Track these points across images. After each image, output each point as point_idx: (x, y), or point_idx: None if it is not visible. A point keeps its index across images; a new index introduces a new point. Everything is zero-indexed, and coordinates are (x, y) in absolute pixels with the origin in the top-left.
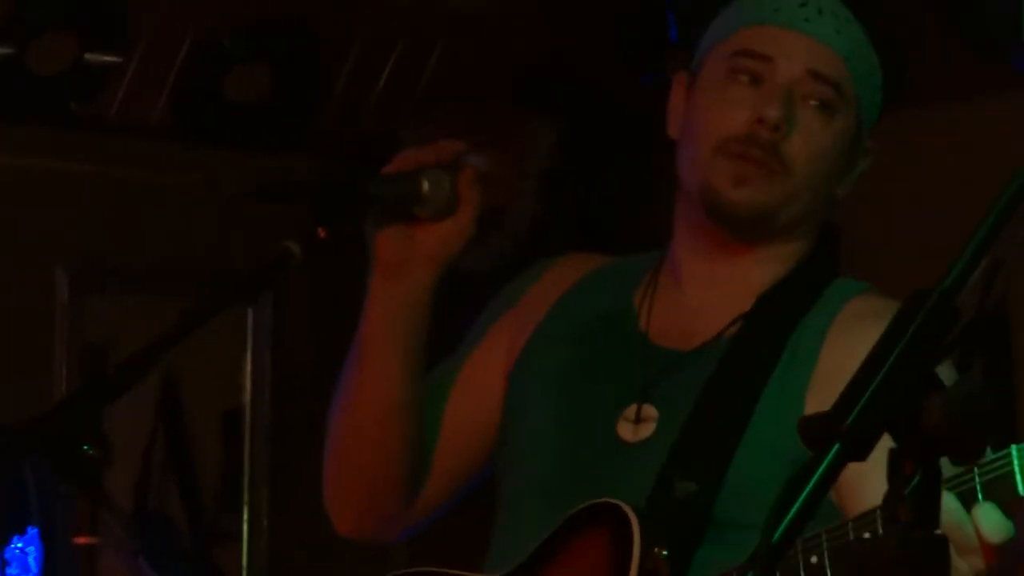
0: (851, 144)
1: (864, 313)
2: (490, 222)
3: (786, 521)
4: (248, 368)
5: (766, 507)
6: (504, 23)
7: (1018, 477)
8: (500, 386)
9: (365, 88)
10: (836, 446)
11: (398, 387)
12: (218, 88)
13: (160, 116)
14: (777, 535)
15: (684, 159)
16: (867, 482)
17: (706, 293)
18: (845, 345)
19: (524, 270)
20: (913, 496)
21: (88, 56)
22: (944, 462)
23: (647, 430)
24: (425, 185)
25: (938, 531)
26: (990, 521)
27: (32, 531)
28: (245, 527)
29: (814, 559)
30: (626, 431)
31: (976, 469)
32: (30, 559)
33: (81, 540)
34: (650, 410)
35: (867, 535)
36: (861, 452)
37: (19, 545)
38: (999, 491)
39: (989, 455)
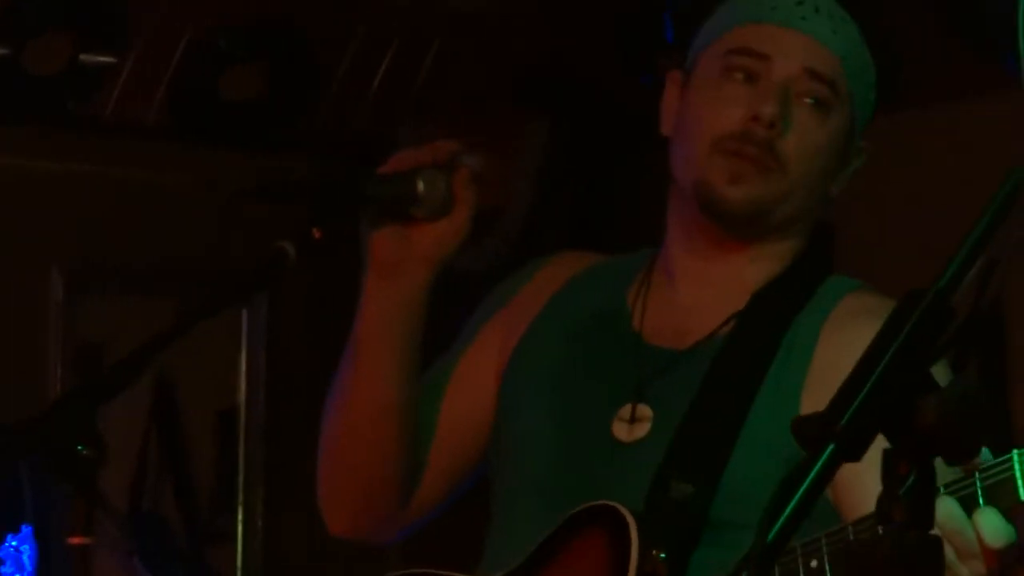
0: (845, 142)
1: (858, 310)
2: (486, 222)
3: (780, 521)
4: (243, 368)
5: (762, 508)
6: (503, 23)
7: (1019, 482)
8: (493, 385)
9: (361, 88)
10: (831, 446)
11: (393, 387)
12: (214, 88)
13: (157, 116)
14: (771, 535)
15: (678, 157)
16: (862, 482)
17: (700, 291)
18: (840, 342)
19: (517, 269)
20: (908, 496)
21: (84, 56)
22: (939, 463)
23: (642, 430)
24: (421, 185)
25: (933, 532)
26: (991, 526)
27: (27, 530)
28: (240, 527)
29: (814, 563)
30: (621, 431)
31: (977, 474)
32: (24, 557)
33: (76, 540)
34: (645, 410)
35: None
36: (856, 452)
37: (14, 544)
38: (1000, 496)
39: (990, 459)
